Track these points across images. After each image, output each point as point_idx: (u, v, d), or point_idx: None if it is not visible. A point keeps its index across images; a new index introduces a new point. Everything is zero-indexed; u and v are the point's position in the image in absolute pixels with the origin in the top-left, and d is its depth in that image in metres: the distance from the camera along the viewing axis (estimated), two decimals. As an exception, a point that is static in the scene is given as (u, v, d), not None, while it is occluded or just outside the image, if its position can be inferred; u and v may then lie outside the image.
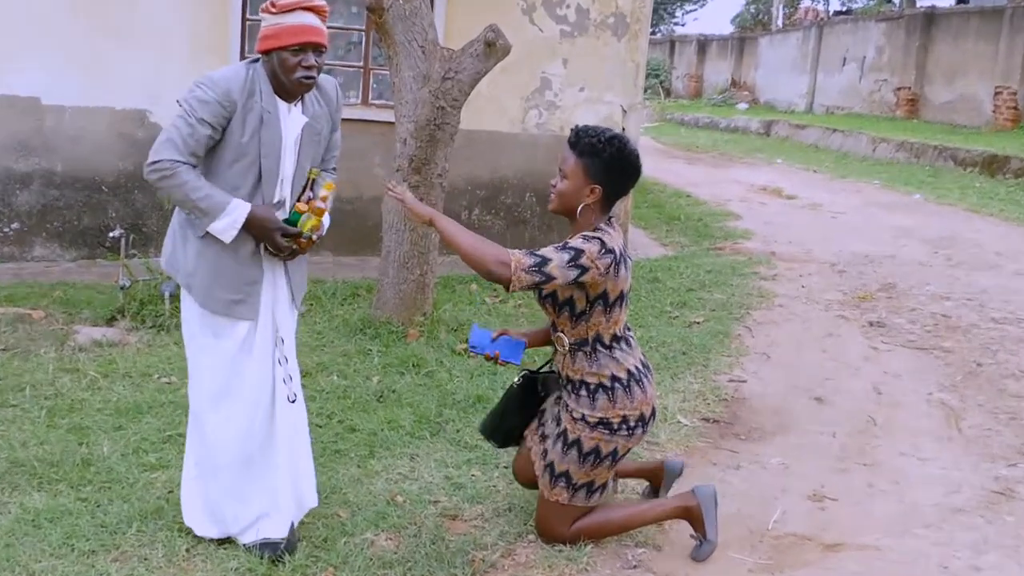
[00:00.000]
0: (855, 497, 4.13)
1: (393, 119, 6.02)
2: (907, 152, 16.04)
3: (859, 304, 7.22)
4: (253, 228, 3.13)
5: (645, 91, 9.90)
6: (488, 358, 3.44)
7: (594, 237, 3.26)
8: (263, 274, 3.29)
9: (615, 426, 3.34)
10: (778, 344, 6.22)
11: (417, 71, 5.69)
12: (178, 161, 3.06)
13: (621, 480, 3.98)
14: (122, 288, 6.09)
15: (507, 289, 3.13)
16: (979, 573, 3.53)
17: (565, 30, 8.39)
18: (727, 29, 40.99)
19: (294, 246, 3.23)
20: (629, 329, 3.48)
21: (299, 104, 3.28)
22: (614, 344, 3.38)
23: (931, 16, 20.08)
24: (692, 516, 3.52)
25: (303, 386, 4.88)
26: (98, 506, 3.60)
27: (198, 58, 7.43)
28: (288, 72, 3.12)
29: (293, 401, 3.40)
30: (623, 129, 8.63)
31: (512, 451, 3.77)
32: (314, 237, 3.25)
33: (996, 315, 6.87)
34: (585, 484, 3.41)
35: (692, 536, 3.57)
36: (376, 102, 8.23)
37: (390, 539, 3.52)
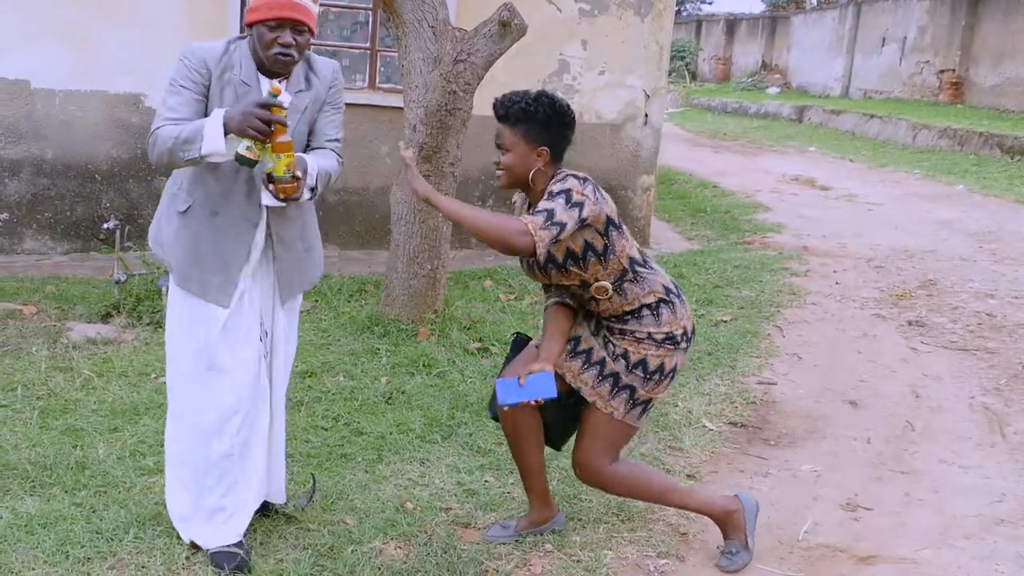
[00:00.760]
0: (891, 507, 4.14)
1: (402, 104, 6.03)
2: (950, 140, 15.96)
3: (897, 302, 7.21)
4: (234, 122, 3.05)
5: (669, 74, 9.88)
6: (528, 405, 3.45)
7: (564, 176, 3.34)
8: (245, 259, 3.31)
9: (678, 338, 3.45)
10: (810, 344, 6.22)
11: (427, 53, 5.71)
12: (156, 128, 3.13)
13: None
14: (117, 283, 6.13)
15: (533, 255, 3.18)
16: (1023, 588, 3.55)
17: (584, 9, 8.40)
18: (758, 8, 40.81)
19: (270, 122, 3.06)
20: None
21: (284, 82, 3.30)
22: (647, 261, 3.50)
23: (978, -8, 19.93)
24: (732, 522, 3.57)
25: (308, 387, 4.97)
26: (93, 511, 3.63)
27: (196, 39, 7.43)
28: (265, 47, 3.16)
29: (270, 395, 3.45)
30: (646, 115, 8.66)
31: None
32: (298, 174, 3.13)
33: (1044, 314, 6.86)
34: (644, 402, 3.46)
35: (718, 547, 3.60)
36: (384, 86, 8.27)
37: (399, 548, 3.55)
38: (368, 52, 8.28)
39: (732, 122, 22.42)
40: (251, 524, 3.47)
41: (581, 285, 3.42)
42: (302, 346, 5.59)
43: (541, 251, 3.15)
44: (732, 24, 32.89)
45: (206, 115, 3.18)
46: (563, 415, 3.61)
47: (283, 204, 3.23)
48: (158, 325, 5.78)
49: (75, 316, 5.99)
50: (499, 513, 3.85)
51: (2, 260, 7.46)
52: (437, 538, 3.62)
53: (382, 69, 8.27)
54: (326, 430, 4.53)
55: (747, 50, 31.65)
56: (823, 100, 23.66)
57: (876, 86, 23.23)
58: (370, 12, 8.19)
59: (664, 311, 3.43)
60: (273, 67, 3.22)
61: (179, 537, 3.47)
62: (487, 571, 3.43)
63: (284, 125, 3.05)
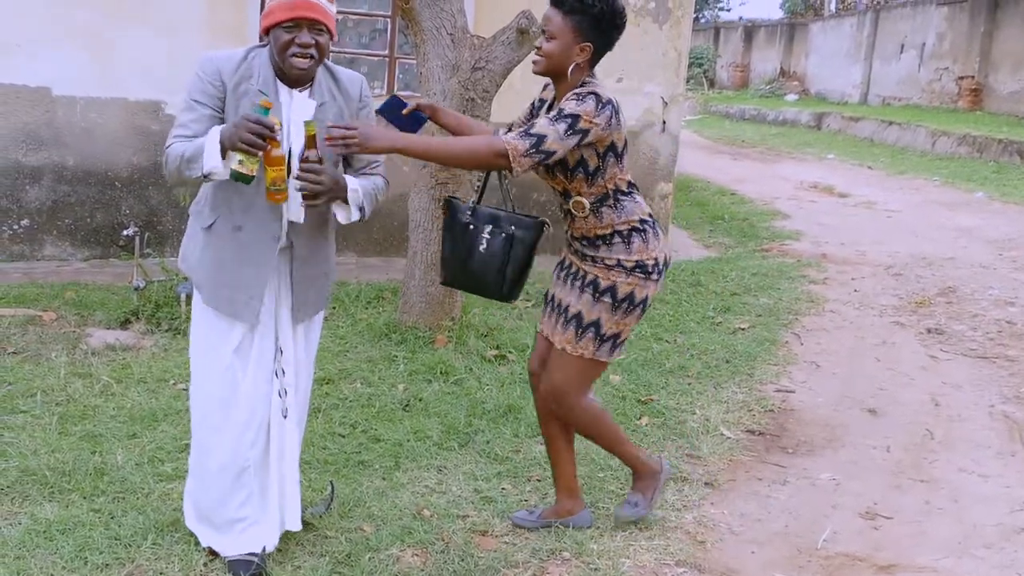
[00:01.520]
0: (911, 515, 4.12)
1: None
2: (969, 147, 15.89)
3: (916, 310, 7.18)
4: (227, 138, 3.02)
5: (687, 81, 9.87)
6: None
7: (588, 94, 3.29)
8: (267, 278, 3.30)
9: (649, 268, 3.45)
10: (829, 352, 6.20)
11: (445, 60, 5.72)
12: (169, 146, 3.13)
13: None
14: (136, 289, 6.16)
15: (511, 173, 3.21)
16: (1044, 598, 3.52)
17: (602, 17, 8.40)
18: (776, 14, 40.75)
19: (266, 134, 3.00)
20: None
21: (306, 90, 3.25)
22: (631, 190, 3.50)
23: (997, -1, 19.87)
24: (651, 481, 3.77)
25: (325, 394, 4.98)
26: (112, 517, 3.64)
27: (216, 46, 7.46)
28: (281, 51, 3.09)
29: (285, 416, 3.41)
30: (663, 123, 8.65)
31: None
32: (294, 188, 3.12)
33: (1065, 322, 6.82)
34: (613, 336, 3.47)
35: (628, 499, 3.82)
36: (402, 93, 8.28)
37: (416, 555, 3.55)
38: (387, 59, 8.30)
39: (750, 129, 22.39)
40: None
41: (563, 193, 3.45)
42: (320, 353, 5.59)
43: (518, 172, 3.18)
44: (750, 31, 32.87)
45: None
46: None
47: (302, 219, 3.25)
48: (177, 331, 5.80)
49: (94, 322, 6.02)
50: (516, 521, 3.85)
51: (23, 266, 7.50)
52: (454, 545, 3.61)
53: (400, 76, 8.29)
54: (343, 437, 4.54)
55: (765, 57, 31.61)
56: (841, 107, 23.60)
57: (895, 93, 23.18)
58: (389, 20, 8.22)
59: (636, 239, 3.44)
60: (292, 72, 3.13)
61: (197, 543, 3.48)
62: (504, 579, 3.43)
63: (276, 141, 3.02)
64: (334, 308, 6.48)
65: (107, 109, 7.65)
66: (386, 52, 8.32)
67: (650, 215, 3.53)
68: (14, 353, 5.42)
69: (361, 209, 3.32)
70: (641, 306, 3.49)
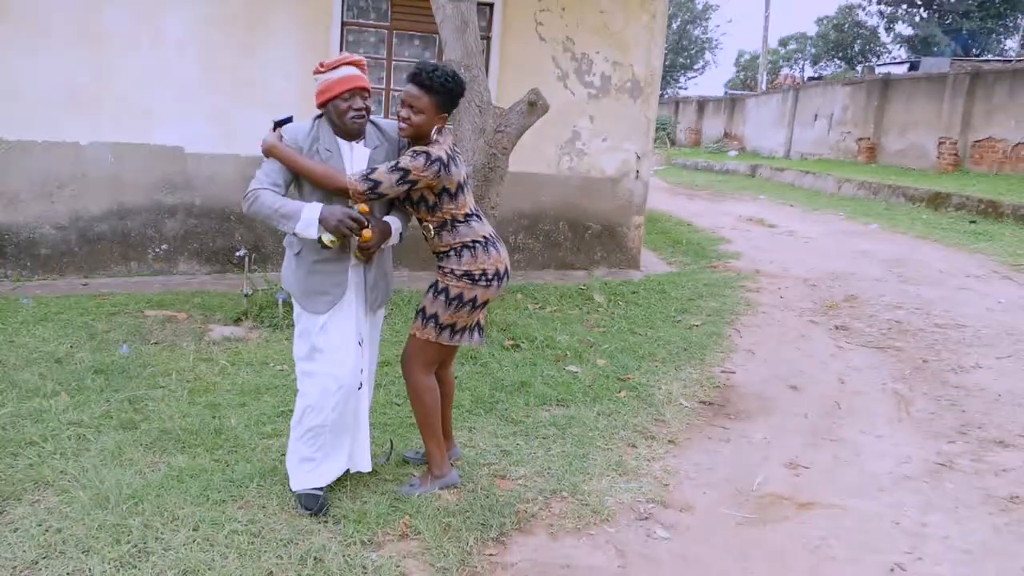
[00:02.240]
0: (824, 466, 4.09)
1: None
2: (866, 190, 15.80)
3: (827, 311, 7.13)
4: (330, 222, 3.10)
5: (655, 141, 9.87)
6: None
7: (421, 152, 3.22)
8: (346, 286, 3.31)
9: (476, 276, 3.40)
10: (761, 343, 6.16)
11: (475, 125, 5.73)
12: (257, 188, 3.16)
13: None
14: (246, 296, 6.18)
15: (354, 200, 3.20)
16: (925, 528, 3.48)
17: (592, 93, 8.40)
18: (721, 92, 40.71)
19: (359, 228, 3.15)
20: (478, 210, 3.51)
21: (361, 141, 3.30)
22: (468, 219, 3.42)
23: (887, 81, 19.79)
24: (435, 477, 3.56)
25: (385, 374, 4.97)
26: (227, 466, 3.67)
27: (304, 112, 7.52)
28: (342, 115, 3.18)
29: (360, 387, 3.41)
30: (637, 172, 8.63)
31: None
32: (369, 230, 3.20)
33: (939, 321, 6.75)
34: (449, 325, 3.44)
35: (411, 481, 3.59)
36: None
37: (452, 494, 3.54)
38: (431, 125, 8.29)
39: (702, 177, 22.32)
40: (342, 476, 3.47)
41: (419, 220, 3.45)
42: (381, 343, 5.60)
43: (359, 201, 3.18)
44: (702, 104, 32.82)
45: (292, 179, 3.22)
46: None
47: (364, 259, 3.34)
48: (275, 327, 5.82)
49: (215, 320, 6.04)
50: (528, 467, 3.83)
51: (162, 279, 7.54)
52: (480, 487, 3.61)
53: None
54: (399, 406, 4.53)
55: (713, 123, 31.55)
56: (770, 160, 23.50)
57: (810, 150, 23.07)
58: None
59: (466, 254, 3.40)
60: (352, 129, 3.21)
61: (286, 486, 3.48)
62: (519, 512, 3.41)
63: (367, 231, 3.17)
64: (391, 309, 6.49)
65: (225, 163, 7.69)
66: (431, 120, 8.32)
67: (486, 236, 3.44)
68: (156, 343, 5.44)
69: (400, 234, 3.40)
70: (468, 304, 3.42)
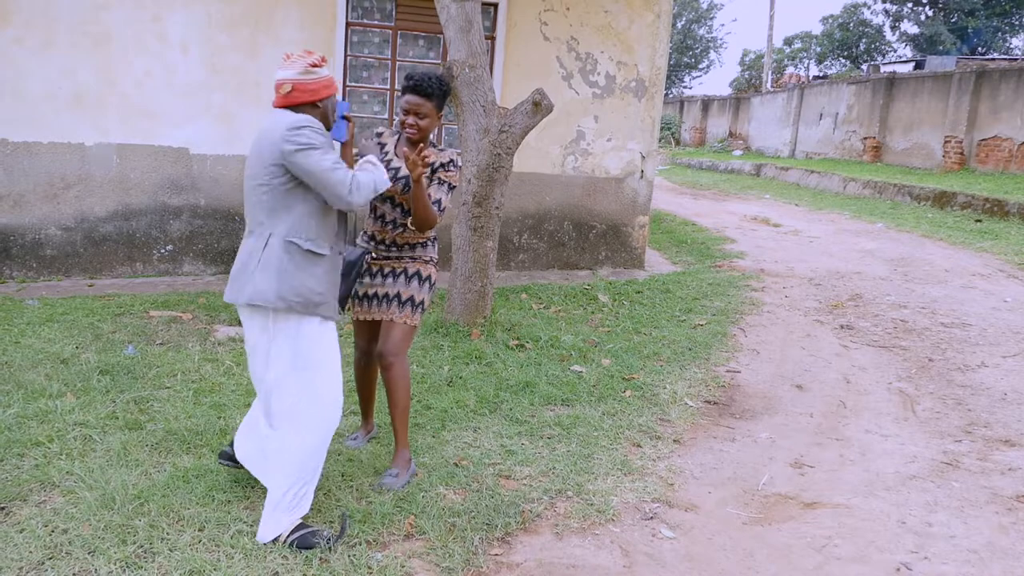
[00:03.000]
0: (829, 465, 4.08)
1: (460, 164, 6.06)
2: (872, 189, 15.78)
3: (832, 311, 7.12)
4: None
5: (659, 140, 9.85)
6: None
7: (456, 169, 3.69)
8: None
9: (436, 260, 3.79)
10: (766, 342, 6.15)
11: (479, 125, 5.74)
12: (350, 175, 3.01)
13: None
14: (250, 296, 6.17)
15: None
16: (930, 528, 3.47)
17: (596, 92, 8.40)
18: (726, 91, 40.66)
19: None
20: None
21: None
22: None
23: (892, 80, 19.76)
24: (407, 462, 3.64)
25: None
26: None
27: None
28: (331, 114, 3.21)
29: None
30: (642, 171, 8.62)
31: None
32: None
33: (944, 320, 6.74)
34: (420, 304, 3.69)
35: (389, 472, 3.59)
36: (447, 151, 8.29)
37: (457, 494, 3.54)
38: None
39: (706, 176, 22.30)
40: (349, 472, 3.47)
41: (405, 211, 3.62)
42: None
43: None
44: (706, 103, 32.79)
45: None
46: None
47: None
48: (281, 327, 5.81)
49: (220, 321, 6.05)
50: (533, 467, 3.83)
51: (167, 280, 7.55)
52: (485, 486, 3.60)
53: (446, 137, 8.30)
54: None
55: (717, 122, 31.52)
56: (775, 160, 23.48)
57: (815, 149, 23.04)
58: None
59: (432, 243, 3.76)
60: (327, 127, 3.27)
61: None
62: (524, 511, 3.40)
63: None
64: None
65: (229, 164, 7.71)
66: (435, 120, 8.34)
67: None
68: (161, 344, 5.45)
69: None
70: (435, 284, 3.77)
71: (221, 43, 7.51)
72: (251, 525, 3.16)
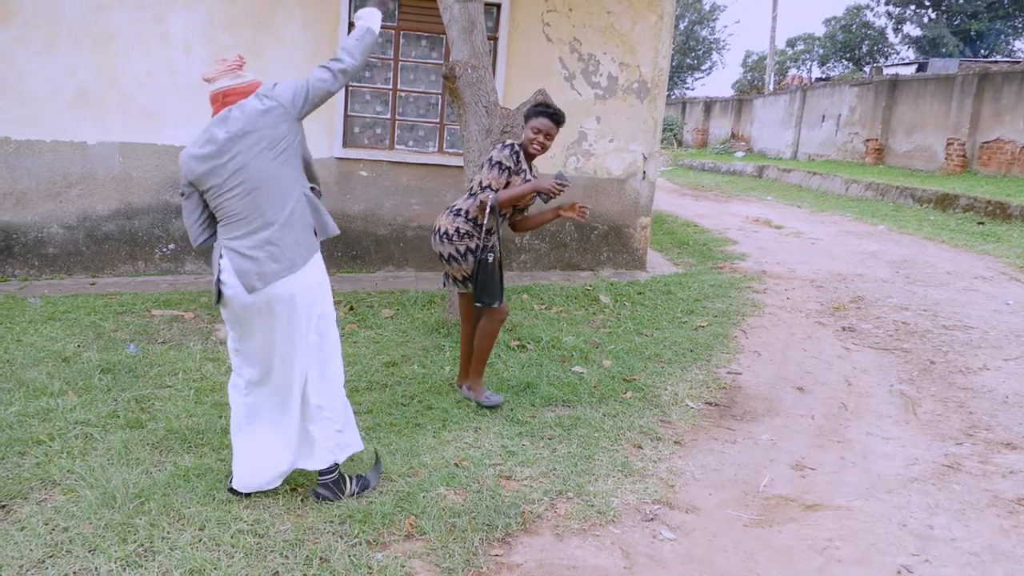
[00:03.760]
0: (830, 467, 4.08)
1: (462, 164, 6.06)
2: (874, 191, 15.76)
3: (833, 313, 7.12)
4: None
5: (662, 142, 9.83)
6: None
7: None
8: None
9: None
10: (767, 344, 6.15)
11: (481, 126, 5.74)
12: (330, 67, 3.36)
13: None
14: (252, 295, 6.17)
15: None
16: (932, 531, 3.47)
17: (599, 93, 8.40)
18: (728, 92, 40.66)
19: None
20: None
21: None
22: None
23: (895, 81, 19.74)
24: (481, 388, 4.52)
25: (391, 373, 4.98)
26: (233, 464, 3.66)
27: (309, 118, 7.53)
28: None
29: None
30: (644, 172, 8.62)
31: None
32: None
33: (946, 323, 6.73)
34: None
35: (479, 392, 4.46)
36: (449, 151, 8.30)
37: (458, 494, 3.54)
38: (438, 125, 8.32)
39: (708, 178, 22.30)
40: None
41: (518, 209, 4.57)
42: (385, 342, 5.61)
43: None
44: (709, 104, 32.78)
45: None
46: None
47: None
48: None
49: (221, 320, 6.04)
50: (534, 468, 3.82)
51: (170, 278, 7.56)
52: (486, 487, 3.60)
53: (448, 138, 8.30)
54: (404, 406, 4.54)
55: (720, 124, 31.52)
56: (777, 161, 23.47)
57: (817, 151, 23.03)
58: (439, 96, 8.24)
59: None
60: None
61: (297, 485, 3.48)
62: (524, 512, 3.40)
63: None
64: (398, 309, 6.49)
65: (232, 162, 7.69)
66: (437, 120, 8.35)
67: None
68: (163, 343, 5.46)
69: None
70: None
71: (223, 43, 7.51)
72: (251, 524, 3.17)
